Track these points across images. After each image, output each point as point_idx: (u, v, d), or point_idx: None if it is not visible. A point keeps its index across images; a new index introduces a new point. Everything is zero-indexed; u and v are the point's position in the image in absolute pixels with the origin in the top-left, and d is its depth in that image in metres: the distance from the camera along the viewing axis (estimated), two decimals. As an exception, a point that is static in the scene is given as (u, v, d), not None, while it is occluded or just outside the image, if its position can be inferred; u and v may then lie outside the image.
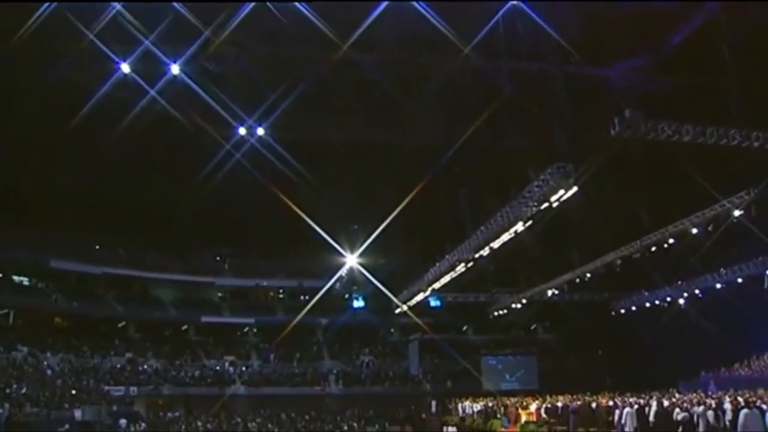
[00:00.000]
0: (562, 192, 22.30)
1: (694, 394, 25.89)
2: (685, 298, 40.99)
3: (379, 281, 42.71)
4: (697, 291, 39.74)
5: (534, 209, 24.32)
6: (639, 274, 39.12)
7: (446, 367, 54.41)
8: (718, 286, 37.65)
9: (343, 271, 42.66)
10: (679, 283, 40.96)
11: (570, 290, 43.66)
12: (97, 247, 51.44)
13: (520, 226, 26.13)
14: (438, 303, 53.06)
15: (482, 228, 29.44)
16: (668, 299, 42.42)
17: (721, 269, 37.14)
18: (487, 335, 55.93)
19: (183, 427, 28.70)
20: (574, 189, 22.22)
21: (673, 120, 22.45)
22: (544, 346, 55.15)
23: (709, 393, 27.32)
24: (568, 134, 23.69)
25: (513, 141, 27.37)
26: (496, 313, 52.05)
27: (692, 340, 39.13)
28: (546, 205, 23.46)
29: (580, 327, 49.88)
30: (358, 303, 57.40)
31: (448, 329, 53.92)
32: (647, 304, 44.69)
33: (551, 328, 57.05)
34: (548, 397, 33.10)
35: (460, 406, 39.58)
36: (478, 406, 36.61)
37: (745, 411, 17.18)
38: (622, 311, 47.53)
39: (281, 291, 58.11)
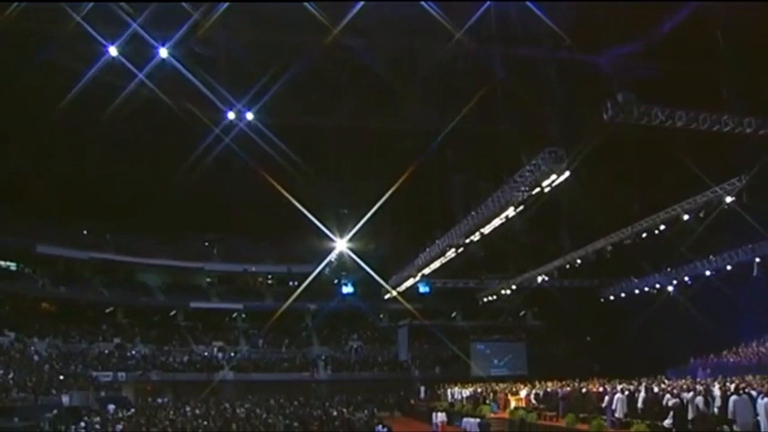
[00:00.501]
0: (554, 177, 22.21)
1: (683, 381, 25.98)
2: (674, 285, 41.19)
3: (369, 266, 42.72)
4: (686, 278, 39.95)
5: (525, 194, 24.21)
6: (629, 260, 39.27)
7: (435, 353, 54.74)
8: (708, 273, 37.82)
9: (332, 256, 42.59)
10: (668, 270, 41.14)
11: (560, 276, 43.68)
12: (85, 232, 51.50)
13: (511, 212, 26.04)
14: (427, 289, 53.14)
15: (473, 213, 29.34)
16: (657, 286, 42.58)
17: (711, 256, 37.30)
18: (476, 321, 56.19)
19: (171, 412, 28.54)
20: (566, 174, 22.13)
21: (666, 105, 22.38)
22: (532, 332, 55.44)
23: (698, 379, 27.42)
24: (560, 119, 23.59)
25: (505, 126, 27.20)
26: (485, 299, 52.11)
27: (681, 327, 39.36)
28: (538, 190, 23.37)
29: (568, 313, 50.08)
30: (347, 289, 57.52)
31: (438, 315, 54.20)
32: (636, 291, 44.87)
33: (540, 315, 57.29)
34: (537, 383, 33.14)
35: (449, 391, 39.63)
36: (467, 392, 36.64)
37: (734, 397, 17.19)
38: (611, 298, 47.72)
39: (270, 276, 58.26)
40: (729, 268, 36.04)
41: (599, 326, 49.47)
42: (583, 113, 23.73)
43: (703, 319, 37.45)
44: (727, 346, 37.87)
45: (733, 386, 20.60)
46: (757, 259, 33.82)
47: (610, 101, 21.58)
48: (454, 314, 58.10)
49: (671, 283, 41.36)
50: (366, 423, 24.84)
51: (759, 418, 16.43)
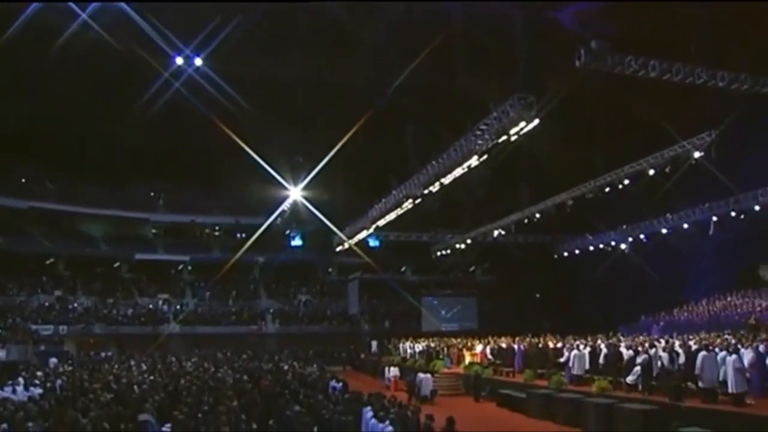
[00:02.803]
0: (522, 124, 21.52)
1: (642, 337, 26.14)
2: (630, 243, 41.43)
3: (322, 218, 41.76)
4: (642, 236, 40.16)
5: (491, 143, 23.50)
6: (588, 217, 39.33)
7: (385, 307, 54.65)
8: (664, 231, 38.09)
9: (286, 205, 41.55)
10: (624, 227, 41.34)
11: (516, 231, 43.58)
12: (24, 180, 49.23)
13: (474, 161, 25.33)
14: (377, 243, 52.86)
15: (433, 162, 28.59)
16: (613, 243, 42.82)
17: (668, 214, 37.50)
18: (427, 276, 56.13)
19: (116, 366, 27.49)
20: (536, 122, 21.47)
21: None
22: (484, 288, 55.66)
23: (654, 336, 27.65)
24: (530, 66, 22.86)
25: (472, 75, 26.50)
26: (438, 254, 51.89)
27: (633, 285, 39.89)
28: (504, 138, 22.65)
29: (521, 269, 50.44)
30: (296, 241, 56.98)
31: (388, 269, 53.73)
32: (591, 248, 45.11)
33: (492, 270, 57.51)
34: (492, 339, 33.11)
35: (401, 346, 39.40)
36: (420, 347, 36.45)
37: (703, 353, 17.13)
38: (565, 254, 47.97)
39: (217, 228, 57.09)
40: (686, 226, 36.32)
41: (552, 283, 49.93)
42: (554, 60, 23.03)
43: (656, 277, 37.98)
44: (678, 304, 38.53)
45: (693, 342, 20.74)
46: (714, 218, 34.14)
47: (583, 48, 20.97)
48: (403, 269, 57.86)
49: (626, 241, 41.56)
50: (319, 378, 24.21)
51: (727, 374, 16.37)
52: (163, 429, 12.04)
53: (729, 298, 36.09)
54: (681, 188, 31.20)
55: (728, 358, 16.51)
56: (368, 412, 13.81)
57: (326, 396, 17.71)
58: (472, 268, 58.96)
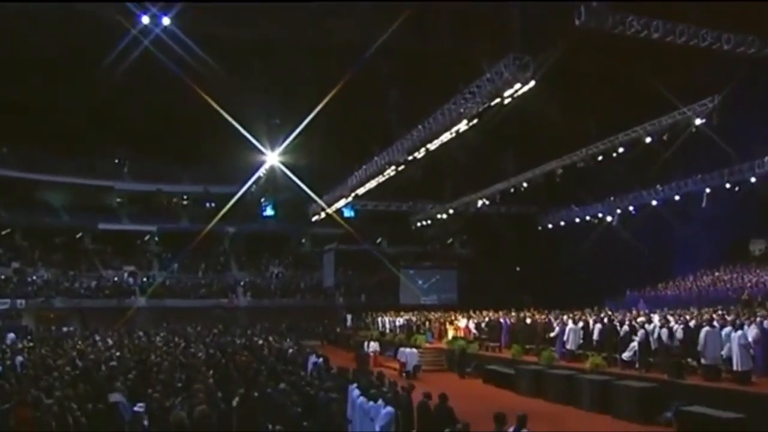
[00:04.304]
0: (518, 86, 20.79)
1: (634, 312, 25.89)
2: (617, 215, 41.12)
3: (298, 186, 40.84)
4: (630, 207, 39.85)
5: (482, 106, 22.77)
6: (576, 187, 38.90)
7: (361, 280, 54.20)
8: (654, 203, 37.78)
9: (262, 171, 40.56)
10: (612, 199, 41.02)
11: (500, 202, 43.13)
12: (-23, 146, 47.47)
13: (463, 126, 24.61)
14: (352, 213, 52.19)
15: (420, 127, 27.81)
16: (600, 215, 42.53)
17: (658, 186, 37.19)
18: (404, 247, 55.65)
19: (80, 342, 26.64)
20: (532, 83, 20.77)
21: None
22: (464, 260, 55.28)
23: (642, 311, 27.42)
24: (526, 25, 22.08)
25: (461, 35, 25.72)
26: (418, 224, 51.37)
27: (619, 259, 39.71)
28: (497, 101, 21.92)
29: (503, 241, 50.16)
30: (268, 211, 56.11)
31: (365, 240, 53.09)
32: (576, 220, 44.78)
33: (472, 242, 57.12)
34: (473, 312, 32.74)
35: (380, 320, 38.99)
36: (400, 321, 36.03)
37: (706, 329, 16.79)
38: (549, 226, 47.64)
39: (186, 197, 55.91)
40: (677, 198, 36.02)
41: (534, 255, 49.65)
42: (552, 19, 22.30)
43: (643, 250, 37.82)
44: (664, 279, 38.50)
45: (688, 317, 20.41)
46: (708, 190, 33.85)
47: (583, 6, 20.28)
48: (379, 240, 57.20)
49: (614, 213, 41.24)
50: (298, 353, 23.62)
51: (732, 351, 16.05)
52: (135, 408, 11.30)
53: (717, 273, 36.12)
54: (676, 158, 30.79)
55: (733, 334, 16.21)
56: (354, 390, 13.24)
57: (307, 372, 17.20)
58: (450, 240, 58.55)
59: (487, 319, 30.06)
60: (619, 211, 40.65)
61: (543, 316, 27.20)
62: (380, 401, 11.53)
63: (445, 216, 47.69)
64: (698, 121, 26.60)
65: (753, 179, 31.13)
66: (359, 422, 12.08)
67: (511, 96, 21.43)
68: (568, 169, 34.72)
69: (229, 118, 30.31)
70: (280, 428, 9.47)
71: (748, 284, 31.76)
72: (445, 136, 26.05)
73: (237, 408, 11.76)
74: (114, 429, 10.59)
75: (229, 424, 11.04)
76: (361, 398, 12.40)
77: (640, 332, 18.79)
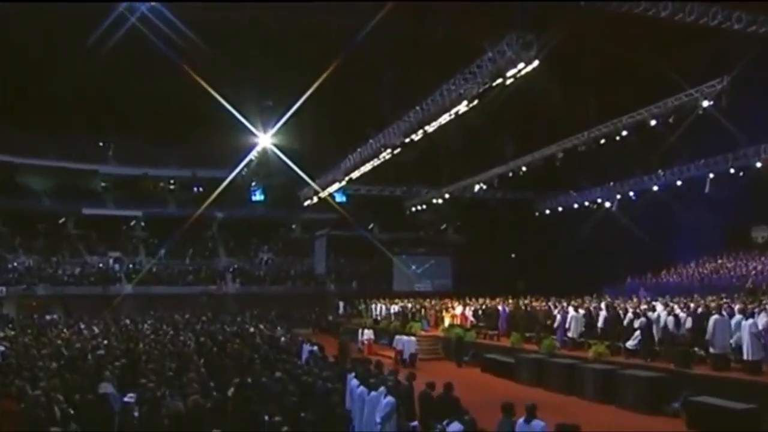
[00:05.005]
0: (521, 66, 20.42)
1: (635, 299, 25.74)
2: (617, 201, 40.88)
3: (290, 170, 40.44)
4: (631, 193, 39.63)
5: (483, 86, 22.42)
6: (575, 172, 38.61)
7: (353, 267, 54.05)
8: (655, 188, 37.57)
9: (254, 154, 40.12)
10: (611, 184, 40.78)
11: (498, 186, 42.85)
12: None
13: (462, 107, 24.24)
14: (343, 198, 51.90)
15: (417, 108, 27.43)
16: (599, 201, 42.31)
17: (660, 171, 36.94)
18: (397, 233, 55.35)
19: (65, 330, 26.30)
20: (536, 63, 20.40)
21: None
22: (459, 247, 55.13)
23: (643, 299, 27.29)
24: (530, 2, 21.65)
25: (462, 15, 25.34)
26: (413, 209, 51.12)
27: (618, 245, 39.59)
28: (499, 81, 21.56)
29: (499, 227, 50.01)
30: (258, 196, 55.85)
31: (357, 226, 52.82)
32: (575, 206, 44.54)
33: (467, 228, 56.82)
34: (469, 299, 32.55)
35: (373, 307, 38.79)
36: (395, 308, 35.83)
37: (715, 317, 16.61)
38: (547, 212, 47.41)
39: (172, 181, 55.84)
40: (679, 183, 35.81)
41: (531, 242, 49.53)
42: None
43: (644, 237, 37.66)
44: (665, 266, 38.40)
45: (693, 305, 20.23)
46: (711, 175, 33.58)
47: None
48: (371, 226, 56.83)
49: (614, 198, 40.97)
50: (291, 341, 23.40)
51: (742, 340, 15.87)
52: (126, 399, 11.04)
53: (720, 261, 36.06)
54: (681, 142, 30.45)
55: (744, 322, 16.00)
56: (353, 379, 13.05)
57: (302, 361, 17.00)
58: (443, 226, 58.34)
59: (484, 306, 29.86)
60: (619, 196, 40.37)
61: (542, 304, 27.04)
62: (381, 389, 11.31)
63: (440, 201, 47.35)
64: (706, 103, 26.26)
65: (759, 164, 30.85)
66: (359, 412, 11.86)
67: (513, 76, 21.05)
68: (568, 153, 34.37)
69: (220, 99, 29.82)
70: (279, 419, 9.20)
71: (753, 272, 31.69)
72: (444, 118, 25.66)
73: (232, 397, 11.53)
74: (104, 421, 10.30)
75: (224, 415, 10.78)
76: (361, 388, 12.18)
77: (641, 320, 18.59)
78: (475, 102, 23.50)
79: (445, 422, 9.55)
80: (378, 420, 10.86)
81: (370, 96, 34.58)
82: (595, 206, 42.72)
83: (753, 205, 33.69)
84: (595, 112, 30.92)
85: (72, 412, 10.14)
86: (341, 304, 45.05)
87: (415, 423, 11.61)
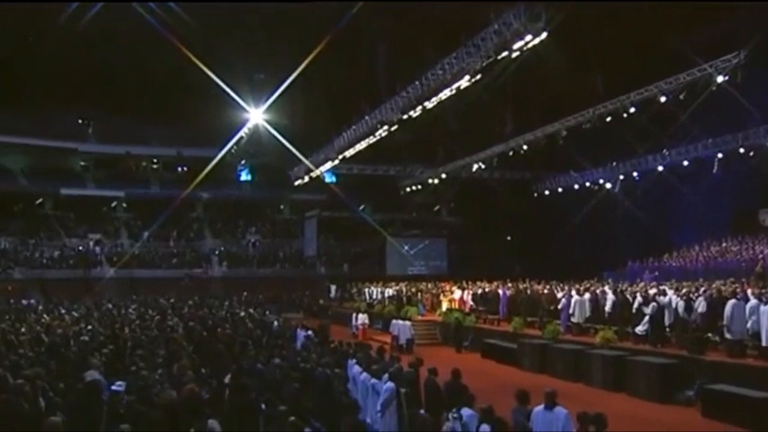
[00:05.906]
0: (529, 38, 19.97)
1: (642, 283, 25.50)
2: (619, 181, 40.56)
3: (280, 147, 39.85)
4: (634, 173, 39.29)
5: (487, 60, 21.96)
6: (577, 151, 38.23)
7: (344, 249, 53.74)
8: (660, 168, 37.25)
9: (244, 131, 39.54)
10: (614, 164, 40.42)
11: (497, 166, 42.46)
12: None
13: (465, 82, 23.80)
14: (333, 178, 51.48)
15: (416, 83, 26.93)
16: (601, 181, 41.96)
17: (664, 150, 36.60)
18: (392, 214, 54.95)
19: (44, 315, 25.79)
20: (544, 35, 19.96)
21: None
22: (454, 228, 54.82)
23: (649, 283, 27.05)
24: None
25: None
26: (408, 189, 50.69)
27: (619, 228, 39.35)
28: (505, 54, 21.10)
29: (497, 208, 49.66)
30: (245, 176, 55.38)
31: (346, 207, 52.39)
32: (576, 186, 44.19)
33: (462, 209, 56.46)
34: (468, 283, 32.29)
35: (366, 291, 38.50)
36: (390, 291, 35.52)
37: (733, 302, 16.33)
38: (546, 193, 47.06)
39: (156, 160, 55.42)
40: (686, 163, 35.49)
41: (529, 223, 49.26)
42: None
43: (646, 219, 37.42)
44: (668, 250, 38.16)
45: (702, 289, 19.92)
46: (720, 155, 33.26)
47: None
48: (362, 207, 56.31)
49: (617, 179, 40.63)
50: (284, 326, 23.05)
51: (761, 326, 15.59)
52: (114, 387, 10.61)
53: (724, 244, 35.80)
54: (690, 120, 30.08)
55: (762, 307, 15.69)
56: (354, 366, 12.76)
57: (298, 346, 16.69)
58: (436, 207, 57.99)
59: (481, 290, 29.56)
60: (622, 177, 40.05)
61: (544, 287, 26.75)
62: (385, 376, 11.01)
63: (436, 181, 46.93)
64: (720, 79, 25.82)
65: (770, 143, 30.58)
66: (362, 400, 11.54)
67: (520, 49, 20.62)
68: (571, 131, 33.94)
69: (208, 72, 29.18)
70: (283, 408, 8.84)
71: (760, 256, 31.42)
72: (444, 94, 25.21)
73: (229, 385, 11.16)
74: (92, 410, 9.89)
75: (221, 403, 10.41)
76: (365, 374, 11.90)
77: (652, 305, 18.29)
78: (478, 77, 23.04)
79: (453, 411, 9.25)
80: (378, 408, 10.63)
81: (366, 70, 34.07)
82: (596, 187, 42.37)
83: (762, 186, 33.35)
84: (603, 88, 30.46)
85: (59, 401, 9.72)
86: (333, 287, 44.70)
87: (422, 411, 11.28)
